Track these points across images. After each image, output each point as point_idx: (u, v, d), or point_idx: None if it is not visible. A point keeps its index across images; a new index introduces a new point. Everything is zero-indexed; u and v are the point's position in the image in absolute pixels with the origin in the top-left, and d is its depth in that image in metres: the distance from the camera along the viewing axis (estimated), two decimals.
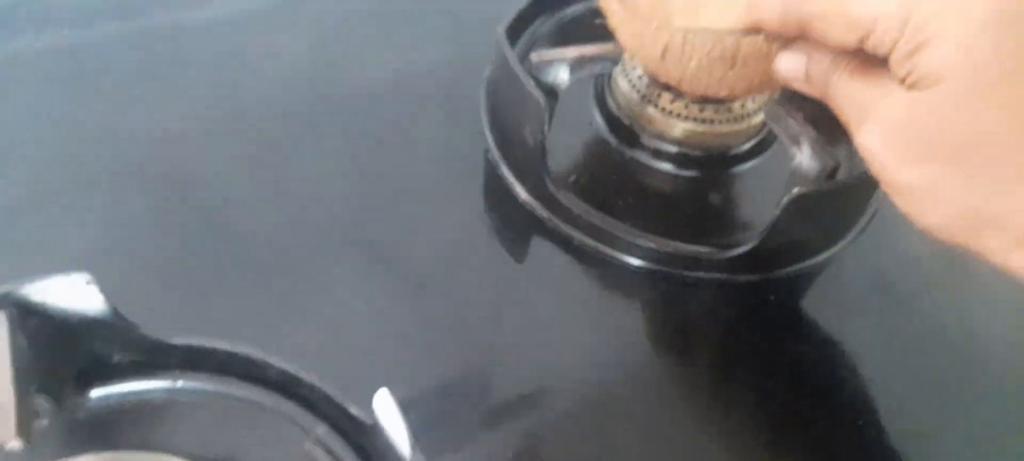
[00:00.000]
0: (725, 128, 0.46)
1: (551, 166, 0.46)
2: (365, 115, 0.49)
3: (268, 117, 0.48)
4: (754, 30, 0.36)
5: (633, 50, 0.43)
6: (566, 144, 0.48)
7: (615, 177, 0.47)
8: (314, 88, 0.50)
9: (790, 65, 0.35)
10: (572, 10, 0.54)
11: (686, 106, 0.46)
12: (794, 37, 0.33)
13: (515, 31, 0.51)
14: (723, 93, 0.43)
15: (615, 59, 0.45)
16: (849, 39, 0.30)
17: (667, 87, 0.45)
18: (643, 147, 0.48)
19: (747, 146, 0.48)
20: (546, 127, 0.42)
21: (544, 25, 0.54)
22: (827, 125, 0.44)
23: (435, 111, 0.50)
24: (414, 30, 0.54)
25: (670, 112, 0.46)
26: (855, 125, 0.31)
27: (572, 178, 0.46)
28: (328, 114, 0.49)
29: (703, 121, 0.46)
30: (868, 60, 0.31)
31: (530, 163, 0.44)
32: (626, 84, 0.48)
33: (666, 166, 0.47)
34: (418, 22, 0.55)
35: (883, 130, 0.30)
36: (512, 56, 0.42)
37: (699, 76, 0.41)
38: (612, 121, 0.49)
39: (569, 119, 0.49)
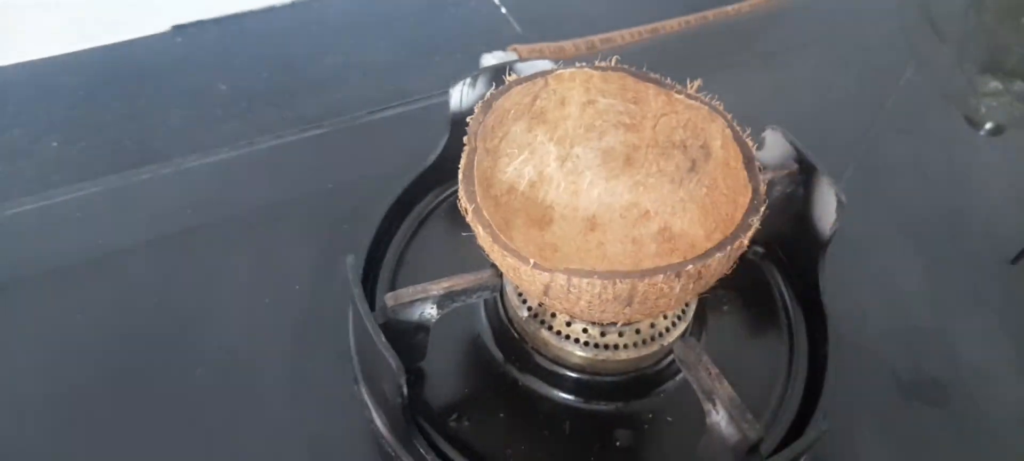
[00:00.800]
0: (632, 353, 0.39)
1: (429, 397, 0.39)
2: (213, 341, 0.41)
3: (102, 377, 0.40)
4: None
5: (512, 280, 0.36)
6: (449, 363, 0.41)
7: (505, 411, 0.39)
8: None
9: None
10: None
11: (585, 330, 0.39)
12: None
13: (387, 231, 0.43)
14: (621, 322, 0.37)
15: (494, 288, 0.37)
16: None
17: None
18: (538, 371, 0.40)
19: (660, 366, 0.40)
20: (404, 390, 0.34)
21: (427, 208, 0.47)
22: (748, 383, 0.37)
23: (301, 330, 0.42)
24: (280, 234, 0.47)
25: (567, 336, 0.39)
26: None
27: (453, 418, 0.39)
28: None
29: (606, 347, 0.39)
30: None
31: (395, 419, 0.36)
32: (516, 299, 0.40)
33: (564, 396, 0.40)
34: (283, 222, 0.47)
35: None
36: (362, 304, 0.34)
37: (591, 312, 0.34)
38: (503, 339, 0.41)
39: (453, 333, 0.42)
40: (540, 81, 0.41)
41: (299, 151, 0.53)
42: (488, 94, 0.39)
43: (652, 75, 0.41)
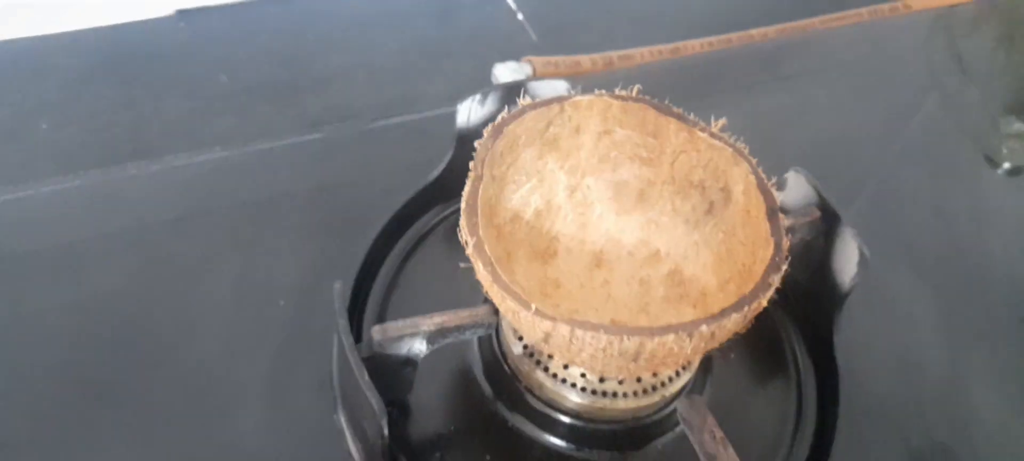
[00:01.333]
0: (631, 402, 0.37)
1: (411, 431, 0.37)
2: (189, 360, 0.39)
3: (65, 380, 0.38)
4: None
5: (511, 322, 0.33)
6: (435, 396, 0.39)
7: (492, 452, 0.37)
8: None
9: None
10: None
11: (583, 375, 0.36)
12: None
13: (381, 249, 0.41)
14: (623, 377, 0.34)
15: (489, 325, 0.35)
16: None
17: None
18: (529, 413, 0.38)
19: (659, 416, 0.38)
20: (385, 432, 0.32)
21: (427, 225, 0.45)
22: (751, 439, 0.35)
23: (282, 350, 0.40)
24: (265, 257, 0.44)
25: (563, 380, 0.37)
26: None
27: (436, 457, 0.37)
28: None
29: (603, 394, 0.36)
30: None
31: (374, 457, 0.34)
32: (511, 334, 0.38)
33: (555, 442, 0.37)
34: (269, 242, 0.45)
35: None
36: (346, 337, 0.32)
37: (593, 365, 0.32)
38: (494, 374, 0.39)
39: (442, 365, 0.39)
40: (556, 107, 0.38)
41: (295, 156, 0.50)
42: (500, 118, 0.37)
43: (675, 109, 0.38)
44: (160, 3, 0.63)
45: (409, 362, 0.35)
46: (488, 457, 0.37)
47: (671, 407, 0.38)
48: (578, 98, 0.38)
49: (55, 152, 0.50)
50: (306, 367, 0.39)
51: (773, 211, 0.34)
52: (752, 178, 0.36)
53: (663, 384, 0.37)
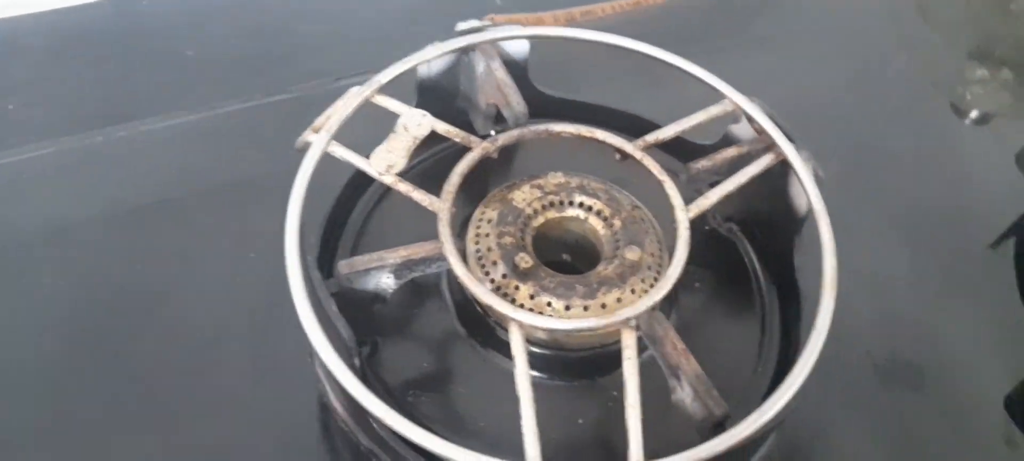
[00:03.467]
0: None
1: (385, 373, 0.38)
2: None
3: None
4: None
5: None
6: (408, 338, 0.39)
7: (466, 387, 0.38)
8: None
9: None
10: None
11: (548, 304, 0.37)
12: None
13: (349, 199, 0.42)
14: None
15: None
16: None
17: (525, 276, 0.37)
18: (500, 347, 0.39)
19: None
20: (356, 363, 0.33)
21: None
22: (717, 362, 0.36)
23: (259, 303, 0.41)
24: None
25: (530, 310, 0.37)
26: None
27: (411, 394, 0.37)
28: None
29: (571, 318, 0.37)
30: None
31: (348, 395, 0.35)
32: (478, 271, 0.39)
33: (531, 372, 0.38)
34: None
35: None
36: (314, 271, 0.33)
37: None
38: (465, 313, 0.40)
39: (414, 307, 0.40)
40: None
41: (265, 115, 0.51)
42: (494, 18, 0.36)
43: None
44: None
45: (378, 298, 0.35)
46: (462, 391, 0.38)
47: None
48: None
49: (23, 129, 0.51)
50: (281, 316, 0.40)
51: None
52: None
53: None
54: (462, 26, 0.54)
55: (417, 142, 0.39)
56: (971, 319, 0.46)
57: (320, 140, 0.38)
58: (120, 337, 0.40)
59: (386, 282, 0.35)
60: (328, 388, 0.37)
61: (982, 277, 0.49)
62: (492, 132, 0.43)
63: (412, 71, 0.43)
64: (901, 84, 0.68)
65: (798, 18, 0.72)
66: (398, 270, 0.35)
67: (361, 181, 0.44)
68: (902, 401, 0.41)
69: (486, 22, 0.57)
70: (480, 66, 0.44)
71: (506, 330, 0.39)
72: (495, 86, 0.43)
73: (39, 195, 0.45)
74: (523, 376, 0.31)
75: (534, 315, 0.34)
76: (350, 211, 0.43)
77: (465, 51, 0.44)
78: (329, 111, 0.39)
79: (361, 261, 0.34)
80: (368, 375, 0.37)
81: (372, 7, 0.65)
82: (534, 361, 0.38)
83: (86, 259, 0.42)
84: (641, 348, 0.39)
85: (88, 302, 0.41)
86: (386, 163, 0.38)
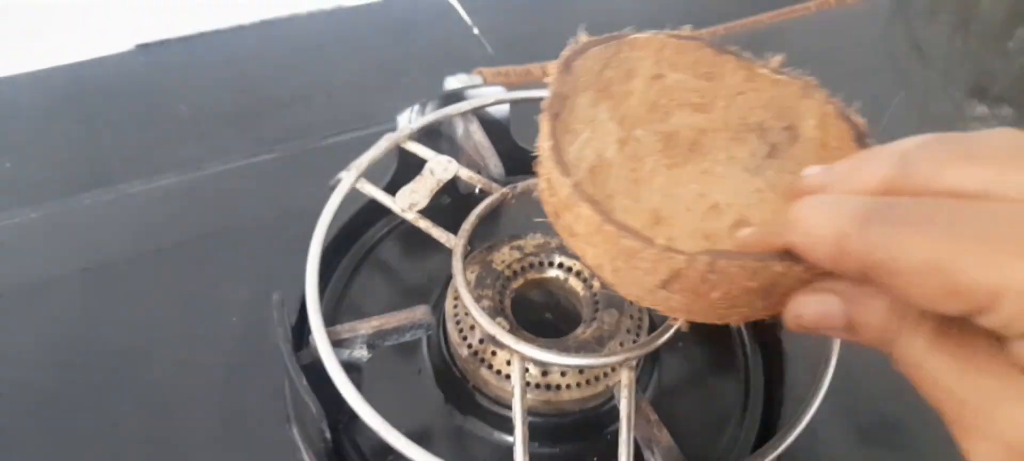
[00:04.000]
0: (575, 394, 0.37)
1: (361, 439, 0.37)
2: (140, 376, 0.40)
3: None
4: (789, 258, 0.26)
5: (618, 269, 0.31)
6: (386, 403, 0.39)
7: (444, 454, 0.37)
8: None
9: (817, 310, 0.25)
10: None
11: (526, 369, 0.37)
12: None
13: (330, 262, 0.42)
14: (741, 321, 0.32)
15: (428, 326, 0.36)
16: (948, 308, 0.20)
17: (501, 345, 0.36)
18: (478, 412, 0.38)
19: (607, 407, 0.39)
20: (327, 436, 0.33)
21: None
22: (698, 426, 0.35)
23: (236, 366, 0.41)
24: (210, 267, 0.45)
25: (507, 376, 0.37)
26: (958, 428, 0.21)
27: None
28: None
29: (548, 387, 0.37)
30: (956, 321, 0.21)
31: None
32: (457, 335, 0.38)
33: (506, 438, 0.38)
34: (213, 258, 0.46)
35: (1010, 454, 0.20)
36: (285, 344, 0.33)
37: (717, 308, 0.29)
38: (444, 378, 0.39)
39: (392, 371, 0.40)
40: (613, 46, 0.36)
41: (249, 176, 0.51)
42: (566, 52, 0.34)
43: (733, 48, 0.36)
44: (120, 38, 0.64)
45: (353, 367, 0.35)
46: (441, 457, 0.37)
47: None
48: (635, 36, 0.36)
49: (17, 188, 0.51)
50: (259, 382, 0.40)
51: (860, 135, 0.32)
52: (829, 107, 0.33)
53: (605, 374, 0.38)
54: (450, 83, 0.54)
55: (441, 185, 0.40)
56: None
57: (350, 176, 0.40)
58: (94, 398, 0.40)
59: (359, 353, 0.35)
60: (306, 457, 0.37)
61: None
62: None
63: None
64: (900, 122, 0.68)
65: (794, 55, 0.72)
66: (371, 340, 0.35)
67: (340, 247, 0.44)
68: None
69: (475, 77, 0.58)
70: (459, 128, 0.44)
71: (484, 394, 0.39)
72: (474, 148, 0.43)
73: (20, 258, 0.45)
74: (519, 405, 0.31)
75: (534, 348, 0.33)
76: (327, 281, 0.43)
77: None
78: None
79: (333, 333, 0.34)
80: (344, 444, 0.37)
81: (361, 58, 0.66)
82: (511, 427, 0.38)
83: (61, 319, 0.42)
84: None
85: (60, 363, 0.41)
86: (409, 202, 0.39)
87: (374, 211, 0.45)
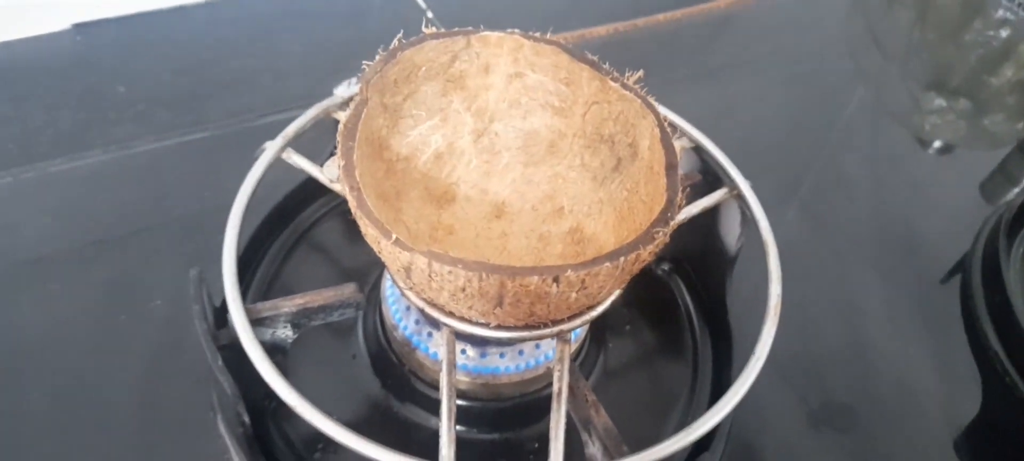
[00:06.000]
0: (514, 377, 0.36)
1: (290, 428, 0.35)
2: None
3: None
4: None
5: (377, 252, 0.31)
6: (319, 389, 0.37)
7: (380, 441, 0.36)
8: None
9: None
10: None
11: (463, 352, 0.35)
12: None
13: (263, 242, 0.40)
14: (493, 323, 0.31)
15: (357, 304, 0.34)
16: None
17: (436, 324, 0.34)
18: (416, 398, 0.37)
19: (547, 392, 0.37)
20: (245, 419, 0.31)
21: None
22: (645, 409, 0.34)
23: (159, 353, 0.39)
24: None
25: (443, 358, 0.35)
26: None
27: (318, 450, 0.35)
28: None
29: (485, 370, 0.35)
30: None
31: (242, 453, 0.33)
32: (392, 318, 0.37)
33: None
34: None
35: None
36: (201, 322, 0.31)
37: (456, 305, 0.30)
38: (381, 363, 0.38)
39: (326, 356, 0.38)
40: (461, 40, 0.36)
41: (181, 154, 0.49)
42: (394, 44, 0.35)
43: (589, 56, 0.36)
44: (56, 18, 0.61)
45: (277, 349, 0.33)
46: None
47: None
48: (487, 34, 0.36)
49: None
50: (182, 367, 0.38)
51: (672, 165, 0.33)
52: (657, 132, 0.34)
53: (546, 357, 0.36)
54: (341, 91, 0.52)
55: None
56: (908, 357, 0.44)
57: (275, 145, 0.37)
58: (16, 383, 0.37)
59: (283, 332, 0.33)
60: (230, 446, 0.35)
61: (927, 313, 0.48)
62: None
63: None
64: (860, 115, 0.68)
65: (756, 49, 0.71)
66: (296, 319, 0.33)
67: (275, 226, 0.42)
68: (832, 445, 0.40)
69: None
70: None
71: (421, 379, 0.37)
72: None
73: None
74: (446, 380, 0.30)
75: (465, 323, 0.31)
76: (260, 260, 0.41)
77: None
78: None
79: (254, 311, 0.32)
80: (271, 432, 0.35)
81: (310, 40, 0.64)
82: (458, 415, 0.36)
83: None
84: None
85: None
86: (338, 172, 0.37)
87: (312, 190, 0.44)
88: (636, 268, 0.30)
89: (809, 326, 0.45)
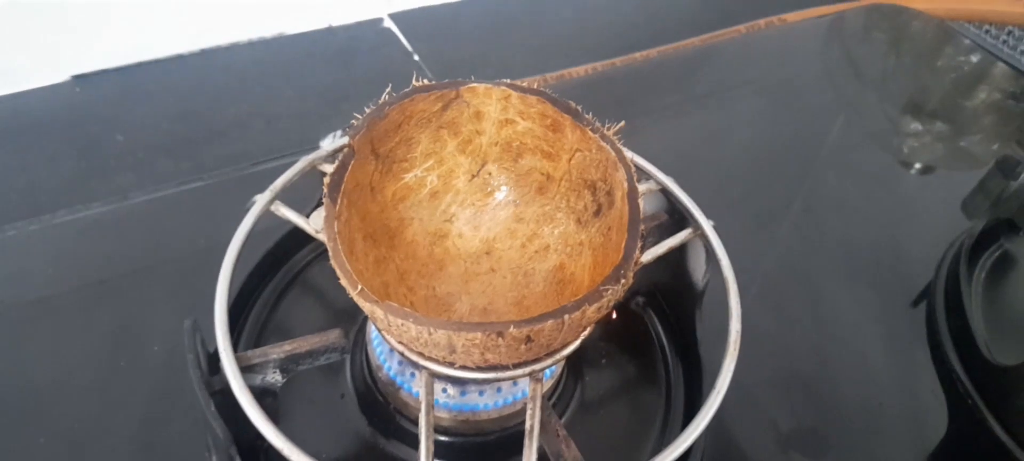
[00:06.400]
0: (493, 413, 0.38)
1: None
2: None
3: None
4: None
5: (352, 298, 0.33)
6: (308, 429, 0.39)
7: None
8: None
9: None
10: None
11: (444, 390, 0.37)
12: None
13: (255, 288, 0.42)
14: (450, 368, 0.33)
15: (342, 349, 0.36)
16: None
17: (414, 364, 0.36)
18: (401, 435, 0.39)
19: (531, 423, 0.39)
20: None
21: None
22: (620, 441, 0.35)
23: (157, 396, 0.40)
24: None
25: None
26: None
27: None
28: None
29: (465, 407, 0.37)
30: None
31: None
32: (377, 358, 0.39)
33: None
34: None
35: None
36: (194, 370, 0.33)
37: (421, 351, 0.32)
38: (367, 402, 0.40)
39: (315, 396, 0.40)
40: (451, 92, 0.38)
41: (178, 203, 0.51)
42: (383, 97, 0.37)
43: (572, 105, 0.38)
44: (55, 70, 0.64)
45: (267, 393, 0.35)
46: None
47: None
48: (475, 85, 0.38)
49: None
50: (181, 410, 0.40)
51: (634, 222, 0.34)
52: (626, 186, 0.35)
53: (523, 393, 0.38)
54: (327, 144, 0.54)
55: None
56: (878, 381, 0.46)
57: (264, 198, 0.39)
58: (10, 435, 0.39)
59: (273, 377, 0.35)
60: None
61: (898, 336, 0.50)
62: None
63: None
64: (842, 139, 0.70)
65: (734, 77, 0.73)
66: (284, 364, 0.35)
67: (266, 272, 0.44)
68: None
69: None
70: None
71: (406, 417, 0.39)
72: None
73: None
74: (424, 420, 0.32)
75: (443, 366, 0.33)
76: (252, 306, 0.43)
77: None
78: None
79: (244, 358, 0.34)
80: None
81: (302, 85, 0.66)
82: (438, 449, 0.38)
83: None
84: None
85: None
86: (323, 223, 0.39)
87: (302, 235, 0.46)
88: (586, 323, 0.32)
89: (781, 352, 0.47)
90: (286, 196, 0.41)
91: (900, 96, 0.79)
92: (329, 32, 0.72)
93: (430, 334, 0.30)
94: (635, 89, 0.68)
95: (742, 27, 0.74)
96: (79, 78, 0.64)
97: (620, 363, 0.43)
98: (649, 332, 0.45)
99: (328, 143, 0.44)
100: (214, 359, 0.37)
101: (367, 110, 0.37)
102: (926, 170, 0.69)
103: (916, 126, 0.77)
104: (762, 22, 0.76)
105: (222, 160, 0.58)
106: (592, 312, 0.31)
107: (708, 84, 0.72)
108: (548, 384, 0.39)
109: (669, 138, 0.62)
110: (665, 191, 0.42)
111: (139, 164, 0.57)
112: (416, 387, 0.37)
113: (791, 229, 0.58)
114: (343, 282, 0.31)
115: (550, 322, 0.30)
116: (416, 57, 0.71)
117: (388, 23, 0.74)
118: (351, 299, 0.40)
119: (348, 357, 0.41)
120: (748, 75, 0.74)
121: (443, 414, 0.37)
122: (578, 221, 0.39)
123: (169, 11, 0.66)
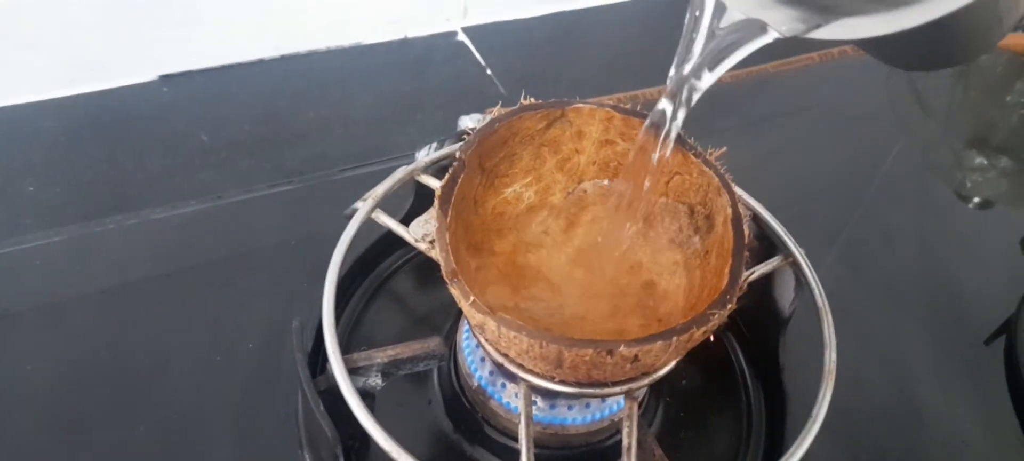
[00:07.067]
0: (581, 428, 0.38)
1: None
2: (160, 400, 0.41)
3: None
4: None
5: (462, 309, 0.34)
6: (398, 431, 0.40)
7: None
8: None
9: None
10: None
11: (533, 402, 0.38)
12: None
13: (346, 291, 0.43)
14: (557, 380, 0.34)
15: (441, 356, 0.37)
16: None
17: (511, 376, 0.37)
18: (486, 443, 0.39)
19: (613, 440, 0.40)
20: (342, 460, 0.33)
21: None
22: (699, 458, 0.36)
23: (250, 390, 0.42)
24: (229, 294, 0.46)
25: (516, 408, 0.38)
26: None
27: None
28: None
29: (554, 420, 0.38)
30: None
31: None
32: (467, 367, 0.40)
33: None
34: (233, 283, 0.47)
35: None
36: (303, 370, 0.34)
37: (524, 362, 0.33)
38: (454, 408, 0.40)
39: (405, 399, 0.41)
40: (556, 111, 0.40)
41: (269, 205, 0.53)
42: (495, 112, 0.38)
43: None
44: (144, 69, 0.66)
45: (367, 395, 0.36)
46: None
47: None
48: (581, 106, 0.40)
49: (39, 210, 0.53)
50: (273, 406, 0.41)
51: (738, 247, 0.34)
52: (730, 212, 0.36)
53: (611, 408, 0.39)
54: (465, 122, 0.56)
55: None
56: (957, 416, 0.46)
57: (366, 206, 0.41)
58: (112, 419, 0.40)
59: (374, 381, 0.36)
60: None
61: (974, 372, 0.49)
62: None
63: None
64: (901, 170, 0.69)
65: (797, 103, 0.74)
66: (386, 368, 0.36)
67: (356, 276, 0.45)
68: None
69: (488, 116, 0.59)
70: None
71: (493, 426, 0.40)
72: None
73: (42, 280, 0.46)
74: (524, 431, 0.33)
75: (543, 379, 0.34)
76: (343, 309, 0.44)
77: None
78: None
79: (350, 361, 0.35)
80: None
81: (378, 93, 0.68)
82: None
83: (81, 340, 0.44)
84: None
85: (78, 383, 0.41)
86: (423, 232, 0.40)
87: (390, 242, 0.47)
88: (691, 345, 0.32)
89: (858, 384, 0.47)
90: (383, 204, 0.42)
91: (964, 130, 0.79)
92: (404, 43, 0.74)
93: (541, 348, 0.30)
94: (710, 112, 0.68)
95: (815, 55, 0.75)
96: (166, 78, 0.66)
97: (700, 385, 0.44)
98: (729, 356, 0.45)
99: (423, 155, 0.45)
100: (313, 358, 0.38)
101: (478, 126, 0.38)
102: (986, 205, 0.68)
103: (980, 160, 0.76)
104: (835, 51, 0.76)
105: (302, 163, 0.59)
106: (699, 335, 0.31)
107: (774, 109, 0.72)
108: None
109: (743, 163, 0.63)
110: (756, 217, 0.43)
111: (222, 163, 0.59)
112: (507, 397, 0.38)
113: (856, 259, 0.58)
114: (454, 292, 0.32)
115: (659, 343, 0.30)
116: (488, 71, 0.72)
117: (462, 36, 0.75)
118: (437, 306, 0.41)
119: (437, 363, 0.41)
120: (815, 101, 0.74)
121: (533, 426, 0.38)
122: (672, 241, 0.40)
123: (252, 18, 0.68)
